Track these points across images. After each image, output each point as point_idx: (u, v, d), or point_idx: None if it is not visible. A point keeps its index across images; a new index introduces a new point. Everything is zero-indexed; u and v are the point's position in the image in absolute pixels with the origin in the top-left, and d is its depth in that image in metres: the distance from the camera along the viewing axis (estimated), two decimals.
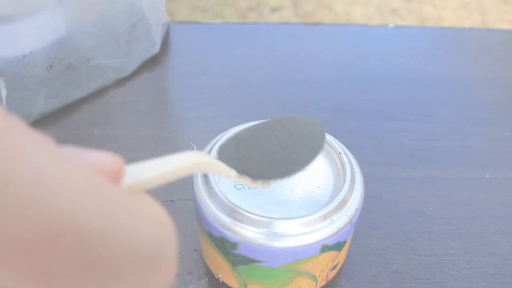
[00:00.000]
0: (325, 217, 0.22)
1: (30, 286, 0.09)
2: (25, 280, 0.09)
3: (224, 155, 0.22)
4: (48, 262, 0.09)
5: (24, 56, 0.37)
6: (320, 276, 0.25)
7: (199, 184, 0.24)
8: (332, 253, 0.24)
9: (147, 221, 0.12)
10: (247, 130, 0.22)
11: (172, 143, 0.38)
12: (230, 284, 0.26)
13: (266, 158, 0.22)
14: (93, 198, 0.10)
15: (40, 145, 0.10)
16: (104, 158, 0.12)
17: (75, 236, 0.09)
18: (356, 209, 0.24)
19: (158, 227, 0.12)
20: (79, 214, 0.09)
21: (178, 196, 0.34)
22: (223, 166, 0.20)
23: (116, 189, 0.11)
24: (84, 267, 0.10)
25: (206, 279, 0.28)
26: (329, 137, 0.27)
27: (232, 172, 0.20)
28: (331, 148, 0.27)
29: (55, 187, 0.09)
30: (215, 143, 0.26)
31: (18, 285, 0.09)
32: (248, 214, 0.22)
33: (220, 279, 0.27)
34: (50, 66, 0.39)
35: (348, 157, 0.26)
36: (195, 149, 0.24)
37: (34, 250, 0.09)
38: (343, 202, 0.23)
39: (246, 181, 0.21)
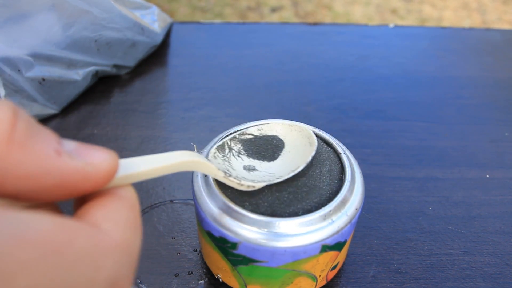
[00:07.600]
0: (325, 217, 0.22)
1: None
2: None
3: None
4: None
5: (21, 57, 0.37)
6: (320, 276, 0.25)
7: (199, 184, 0.24)
8: (332, 253, 0.24)
9: (107, 256, 0.12)
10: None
11: (172, 143, 0.38)
12: (230, 284, 0.26)
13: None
14: (48, 266, 0.11)
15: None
16: (100, 158, 0.14)
17: None
18: (356, 209, 0.24)
19: (118, 256, 0.13)
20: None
21: (178, 196, 0.34)
22: (211, 166, 0.21)
23: (78, 233, 0.12)
24: None
25: (206, 279, 0.28)
26: (329, 137, 0.27)
27: (220, 173, 0.21)
28: (331, 148, 0.26)
29: (13, 268, 0.10)
30: (215, 143, 0.26)
31: None
32: (248, 214, 0.22)
33: (220, 279, 0.27)
34: (43, 80, 0.38)
35: (348, 157, 0.26)
36: (195, 149, 0.24)
37: None
38: (343, 202, 0.23)
39: (233, 182, 0.22)
